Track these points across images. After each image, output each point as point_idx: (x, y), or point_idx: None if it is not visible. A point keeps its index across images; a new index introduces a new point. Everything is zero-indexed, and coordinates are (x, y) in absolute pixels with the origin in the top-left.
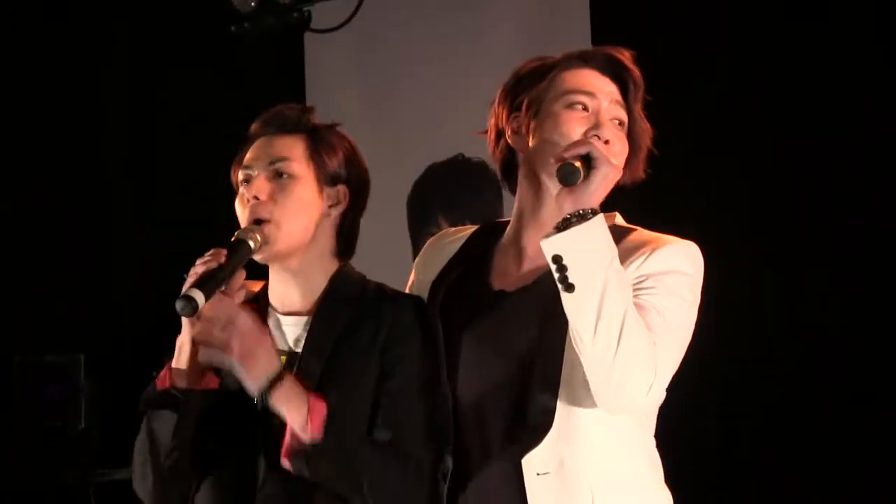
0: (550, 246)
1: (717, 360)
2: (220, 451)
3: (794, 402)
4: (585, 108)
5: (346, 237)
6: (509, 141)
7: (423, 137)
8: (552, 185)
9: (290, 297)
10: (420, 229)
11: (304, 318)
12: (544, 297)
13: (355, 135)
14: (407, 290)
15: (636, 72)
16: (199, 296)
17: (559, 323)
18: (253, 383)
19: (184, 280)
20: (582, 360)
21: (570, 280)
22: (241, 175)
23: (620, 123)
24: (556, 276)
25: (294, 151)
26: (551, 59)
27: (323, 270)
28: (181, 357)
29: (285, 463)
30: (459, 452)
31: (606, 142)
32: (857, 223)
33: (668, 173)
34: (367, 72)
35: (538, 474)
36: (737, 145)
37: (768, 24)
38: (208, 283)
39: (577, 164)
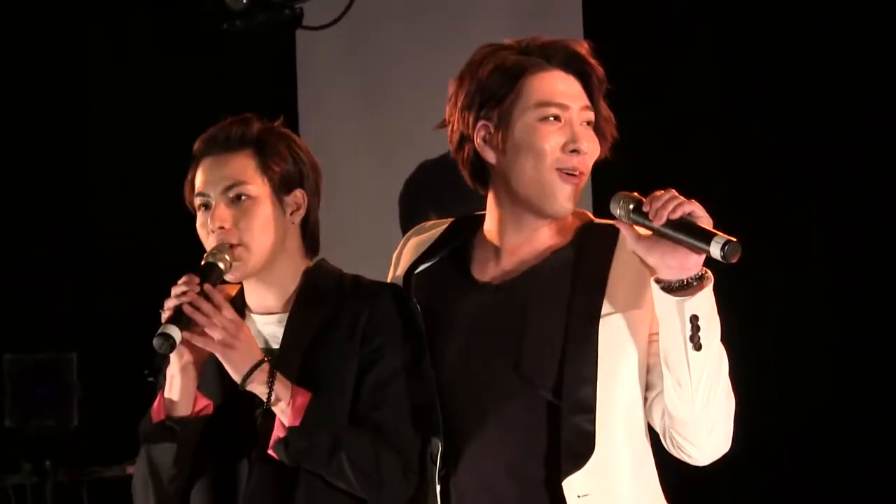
0: (691, 307)
1: None
2: (209, 458)
3: (793, 403)
4: (558, 119)
5: (311, 234)
6: (477, 148)
7: (415, 135)
8: (640, 250)
9: (265, 298)
10: (412, 227)
11: (281, 316)
12: (537, 294)
13: (347, 132)
14: (388, 278)
15: (598, 66)
16: (175, 332)
17: (587, 344)
18: (235, 370)
19: (159, 315)
20: (677, 408)
21: (702, 340)
22: (197, 201)
23: (590, 124)
24: (688, 334)
25: (247, 172)
26: (508, 55)
27: (295, 270)
28: (173, 387)
29: (272, 453)
30: (451, 449)
31: (585, 153)
32: (856, 222)
33: (658, 170)
34: (358, 69)
35: (579, 496)
36: (731, 140)
37: (766, 20)
38: (181, 319)
39: (734, 238)
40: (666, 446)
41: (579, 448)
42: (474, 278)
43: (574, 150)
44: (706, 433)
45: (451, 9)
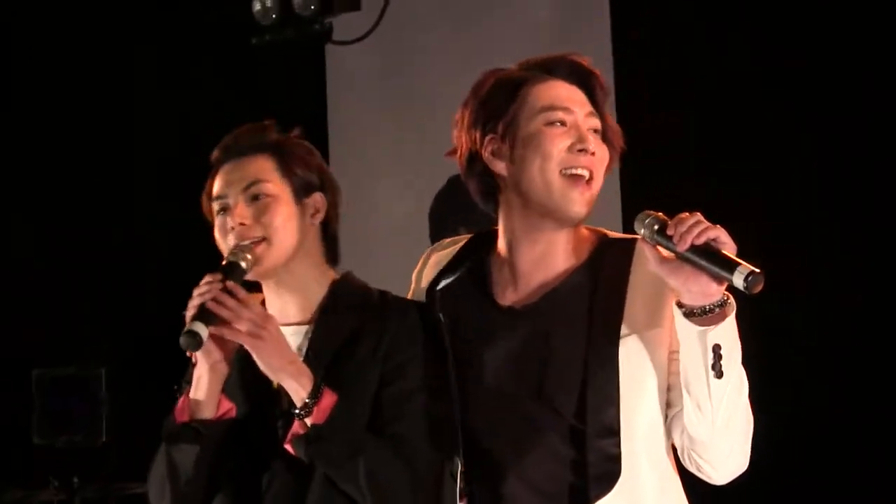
0: (714, 337)
1: None
2: (230, 462)
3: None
4: (563, 124)
5: (331, 242)
6: (487, 163)
7: (446, 149)
8: (662, 272)
9: (288, 308)
10: (439, 235)
11: (305, 328)
12: (557, 318)
13: (377, 146)
14: (409, 295)
15: (601, 77)
16: (202, 329)
17: (608, 366)
18: (266, 362)
19: (183, 318)
20: (700, 438)
21: (724, 368)
22: (216, 206)
23: (596, 132)
24: (710, 362)
25: (265, 171)
26: (510, 72)
27: (317, 279)
28: (199, 388)
29: (288, 447)
30: (474, 468)
31: (593, 153)
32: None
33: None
34: (388, 84)
35: None
36: (759, 136)
37: (792, 13)
38: (209, 314)
39: (757, 270)
40: (684, 463)
41: (606, 471)
42: (495, 301)
43: (582, 150)
44: (725, 455)
45: (484, 24)
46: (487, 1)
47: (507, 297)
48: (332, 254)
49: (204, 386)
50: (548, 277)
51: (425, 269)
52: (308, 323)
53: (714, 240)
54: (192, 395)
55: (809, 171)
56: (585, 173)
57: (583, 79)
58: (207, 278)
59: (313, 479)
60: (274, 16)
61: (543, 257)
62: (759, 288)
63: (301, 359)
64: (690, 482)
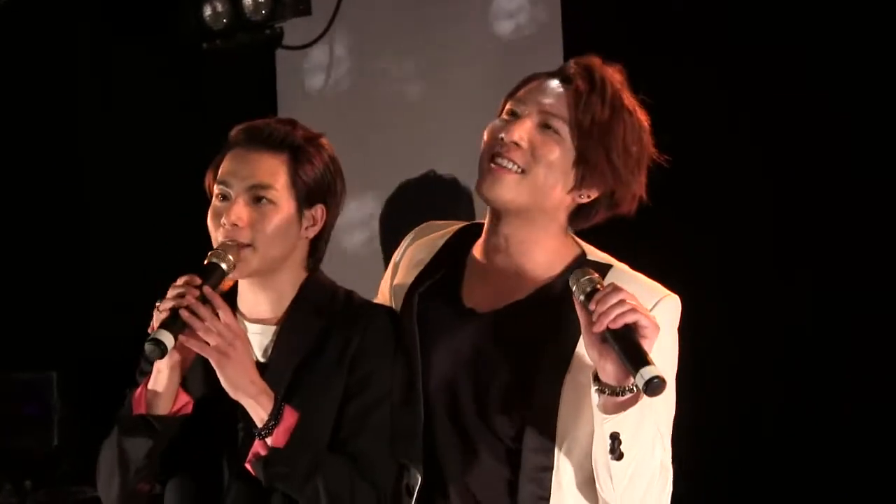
0: (611, 427)
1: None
2: (189, 460)
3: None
4: (515, 115)
5: (317, 252)
6: None
7: (396, 155)
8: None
9: (260, 305)
10: (392, 246)
11: (272, 328)
12: (516, 331)
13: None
14: (384, 279)
15: (586, 81)
16: (167, 338)
17: (546, 409)
18: (228, 380)
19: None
20: (606, 497)
21: (623, 450)
22: (217, 189)
23: (548, 126)
24: (608, 446)
25: (276, 177)
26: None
27: (292, 281)
28: (158, 382)
29: (248, 467)
30: (432, 479)
31: (514, 142)
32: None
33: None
34: (339, 89)
35: None
36: (719, 147)
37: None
38: (175, 323)
39: (655, 366)
40: None
41: (538, 496)
42: (462, 301)
43: (501, 138)
44: None
45: (433, 31)
46: (441, 5)
47: (474, 297)
48: (314, 263)
49: (163, 380)
50: (518, 285)
51: (404, 256)
52: (276, 323)
53: (634, 324)
54: (150, 385)
55: (767, 180)
56: (502, 162)
57: (568, 77)
58: (185, 279)
59: (276, 492)
60: (225, 21)
61: (517, 264)
62: (658, 394)
63: (263, 359)
64: None
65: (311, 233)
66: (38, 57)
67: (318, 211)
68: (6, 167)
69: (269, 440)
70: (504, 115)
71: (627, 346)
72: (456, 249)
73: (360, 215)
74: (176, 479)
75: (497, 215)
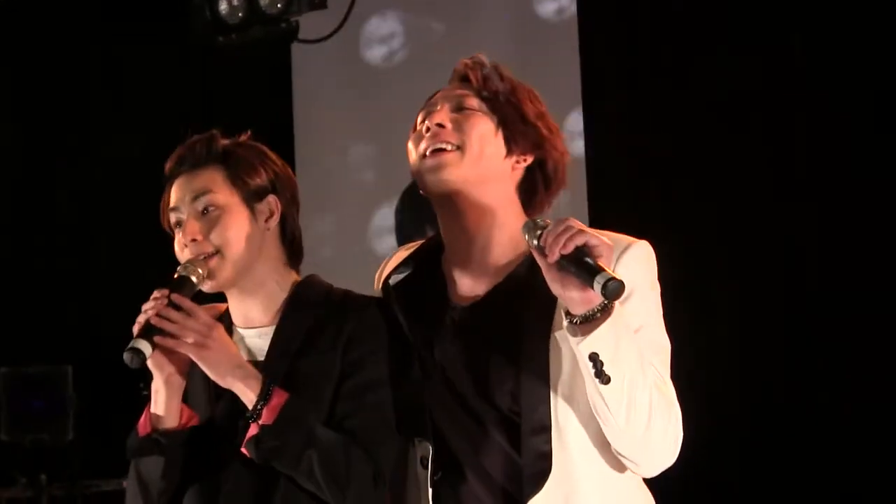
0: (587, 347)
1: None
2: (200, 470)
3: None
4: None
5: (290, 242)
6: None
7: None
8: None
9: (251, 312)
10: (408, 239)
11: (267, 329)
12: (497, 315)
13: (342, 145)
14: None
15: (485, 67)
16: (145, 346)
17: (537, 367)
18: (212, 369)
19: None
20: (612, 438)
21: (608, 373)
22: (172, 218)
23: (462, 108)
24: (592, 371)
25: (214, 182)
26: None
27: (278, 281)
28: (158, 402)
29: (244, 451)
30: (439, 457)
31: (440, 125)
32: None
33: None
34: (354, 82)
35: None
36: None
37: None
38: (153, 329)
39: (610, 272)
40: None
41: (538, 469)
42: (447, 297)
43: (426, 128)
44: (640, 450)
45: (449, 21)
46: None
47: (457, 292)
48: (293, 254)
49: (162, 399)
50: (490, 274)
51: (384, 271)
52: (271, 325)
53: (584, 245)
54: (152, 409)
55: (757, 179)
56: (436, 145)
57: (465, 76)
58: (155, 294)
59: (279, 480)
60: (240, 14)
61: (482, 256)
62: (619, 295)
63: (263, 358)
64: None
65: (272, 223)
66: (50, 51)
67: (271, 201)
68: (22, 161)
69: (259, 421)
70: (418, 127)
71: (581, 263)
72: (431, 249)
73: (375, 208)
74: (191, 490)
75: (450, 210)
